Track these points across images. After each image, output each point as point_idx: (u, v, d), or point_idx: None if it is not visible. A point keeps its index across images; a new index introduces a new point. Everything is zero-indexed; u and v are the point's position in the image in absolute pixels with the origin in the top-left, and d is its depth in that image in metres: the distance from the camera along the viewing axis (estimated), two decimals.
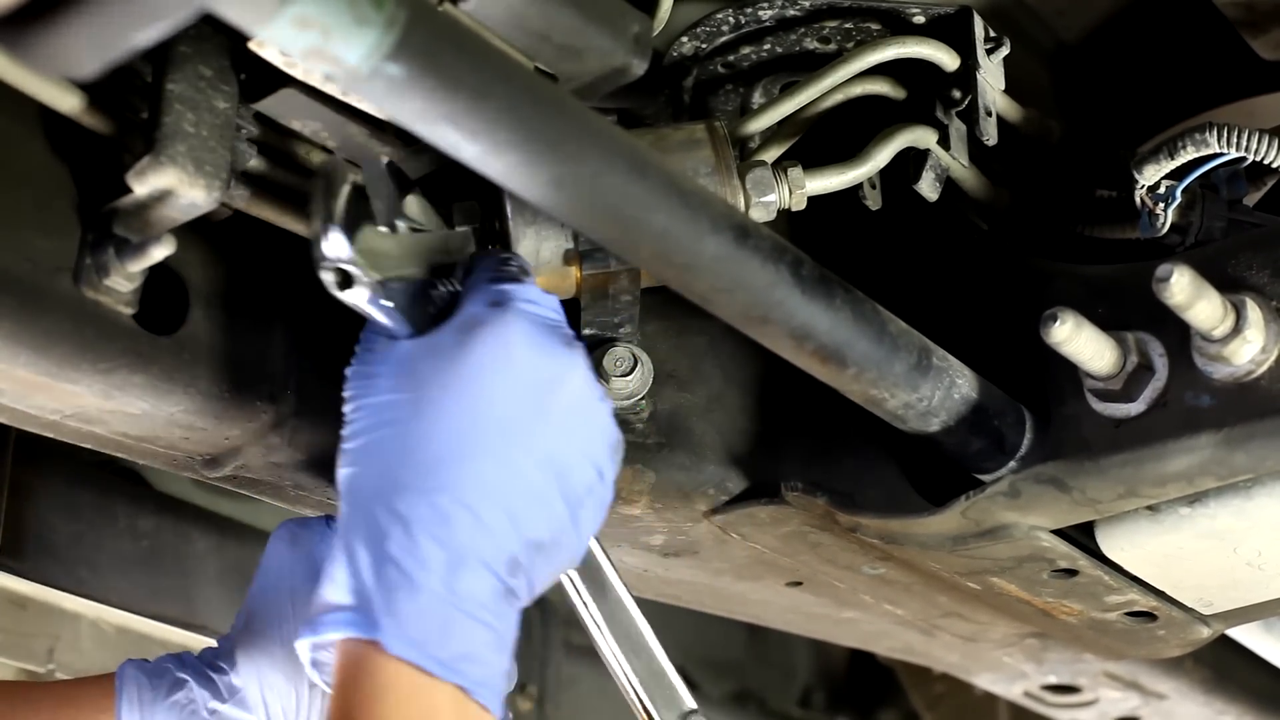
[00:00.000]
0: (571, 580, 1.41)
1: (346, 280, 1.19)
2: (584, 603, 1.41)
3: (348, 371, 1.24)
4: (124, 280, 1.28)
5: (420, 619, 1.13)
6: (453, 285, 1.27)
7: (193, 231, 1.35)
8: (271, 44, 0.89)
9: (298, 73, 1.25)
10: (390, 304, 1.21)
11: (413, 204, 1.27)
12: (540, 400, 1.21)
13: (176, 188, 1.22)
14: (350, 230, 1.19)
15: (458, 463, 1.17)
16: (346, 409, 1.23)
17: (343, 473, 1.21)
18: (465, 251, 1.29)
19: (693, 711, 1.41)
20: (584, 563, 1.41)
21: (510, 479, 1.18)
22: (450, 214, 1.40)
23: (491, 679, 1.15)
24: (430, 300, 1.25)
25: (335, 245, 1.18)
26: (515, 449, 1.19)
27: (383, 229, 1.22)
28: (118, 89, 1.27)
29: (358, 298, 1.20)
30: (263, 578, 1.46)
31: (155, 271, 1.31)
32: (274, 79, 1.28)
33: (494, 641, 1.17)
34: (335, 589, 1.16)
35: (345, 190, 1.20)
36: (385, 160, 1.26)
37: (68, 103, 1.23)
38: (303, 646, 1.17)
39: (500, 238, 1.45)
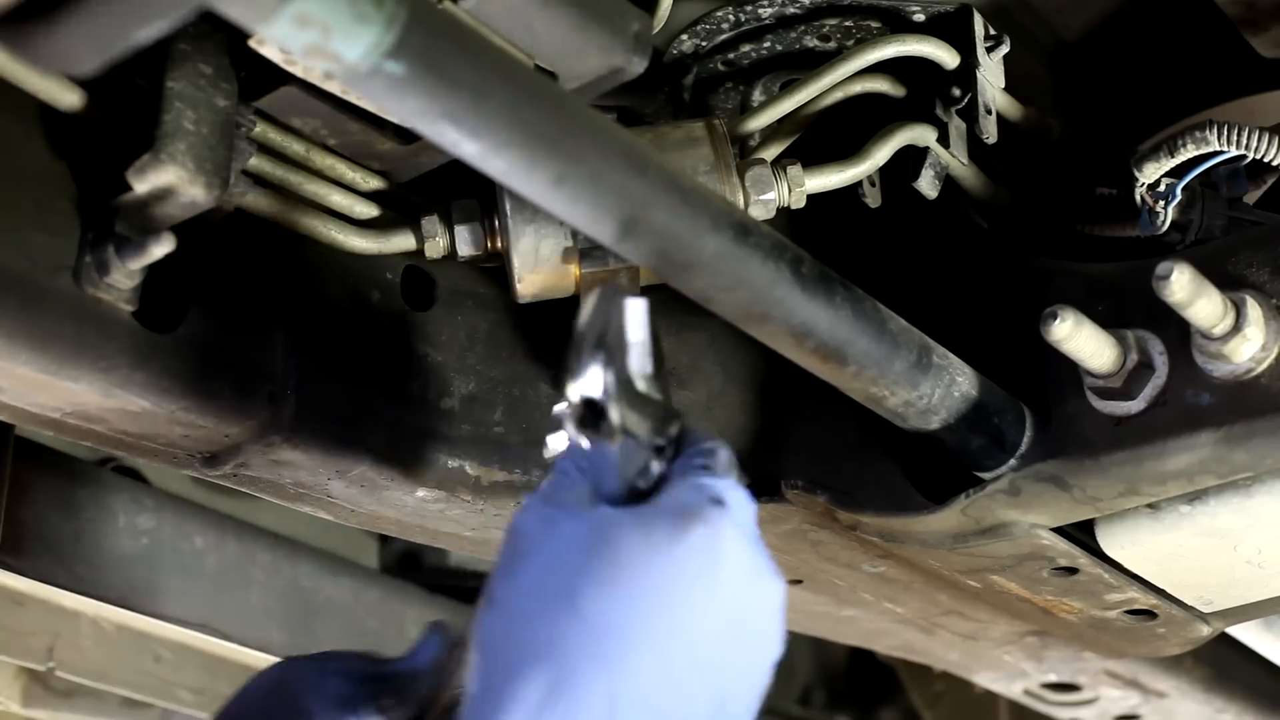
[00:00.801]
0: None
1: (591, 420, 1.09)
2: None
3: (531, 502, 1.12)
4: (124, 278, 1.28)
5: None
6: (661, 464, 1.14)
7: (193, 229, 1.35)
8: (272, 42, 0.89)
9: (298, 70, 1.25)
10: (628, 459, 1.11)
11: (659, 368, 1.16)
12: (737, 623, 1.09)
13: (177, 186, 1.22)
14: (618, 371, 1.09)
15: (638, 666, 1.04)
16: (514, 548, 1.10)
17: (491, 624, 1.07)
18: (674, 428, 1.16)
19: None
20: None
21: (681, 701, 1.06)
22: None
23: None
24: (643, 475, 1.13)
25: (595, 382, 1.08)
26: (701, 669, 1.07)
27: (640, 380, 1.12)
28: (118, 87, 1.27)
29: (593, 440, 1.09)
30: (238, 709, 1.33)
31: (155, 269, 1.31)
32: (274, 77, 1.28)
33: None
34: None
35: (619, 327, 1.10)
36: (649, 308, 1.14)
37: (68, 100, 1.23)
38: None
39: (500, 235, 1.45)
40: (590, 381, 1.08)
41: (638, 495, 1.13)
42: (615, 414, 1.09)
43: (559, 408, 1.10)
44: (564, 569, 1.06)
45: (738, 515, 1.11)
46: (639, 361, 1.12)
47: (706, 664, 1.07)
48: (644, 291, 1.48)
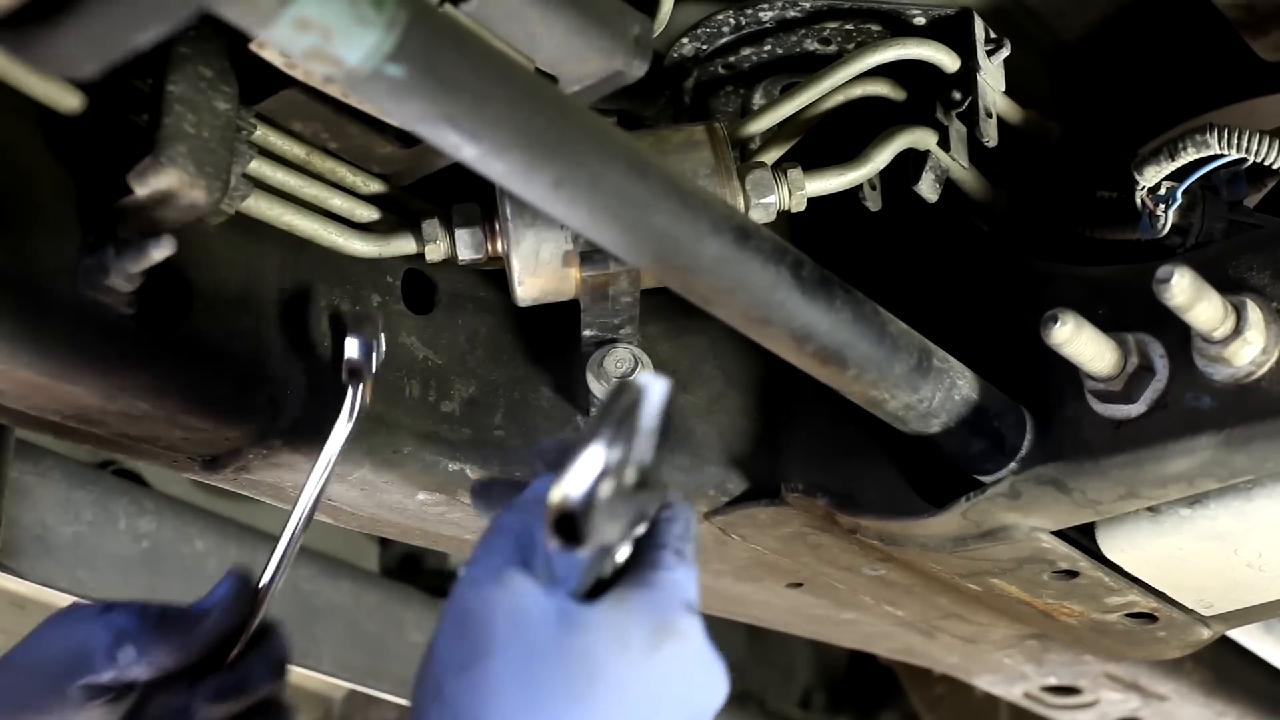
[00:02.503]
0: None
1: (566, 526, 0.98)
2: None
3: (478, 576, 1.04)
4: (124, 281, 1.28)
5: None
6: (630, 546, 1.07)
7: (194, 232, 1.35)
8: (272, 45, 0.89)
9: (298, 74, 1.25)
10: (593, 565, 1.04)
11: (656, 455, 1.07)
12: None
13: (177, 189, 1.22)
14: (611, 484, 0.99)
15: None
16: (469, 632, 1.02)
17: (438, 717, 1.00)
18: (654, 508, 1.10)
19: None
20: None
21: None
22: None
23: None
24: (608, 562, 1.06)
25: (582, 486, 0.98)
26: None
27: (633, 469, 1.02)
28: (118, 90, 1.27)
29: (564, 546, 0.99)
30: (23, 644, 1.30)
31: (156, 272, 1.31)
32: (275, 80, 1.28)
33: None
34: None
35: (628, 433, 1.01)
36: (669, 392, 1.05)
37: (68, 103, 1.23)
38: None
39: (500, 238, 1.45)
40: (578, 484, 0.98)
41: (599, 587, 1.05)
42: (592, 529, 0.98)
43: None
44: (532, 678, 1.00)
45: (699, 620, 1.07)
46: (641, 454, 1.03)
47: None
48: (644, 295, 1.48)
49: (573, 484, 0.98)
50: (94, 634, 1.24)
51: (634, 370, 1.48)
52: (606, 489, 0.98)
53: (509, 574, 1.03)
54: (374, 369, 1.41)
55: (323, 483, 1.36)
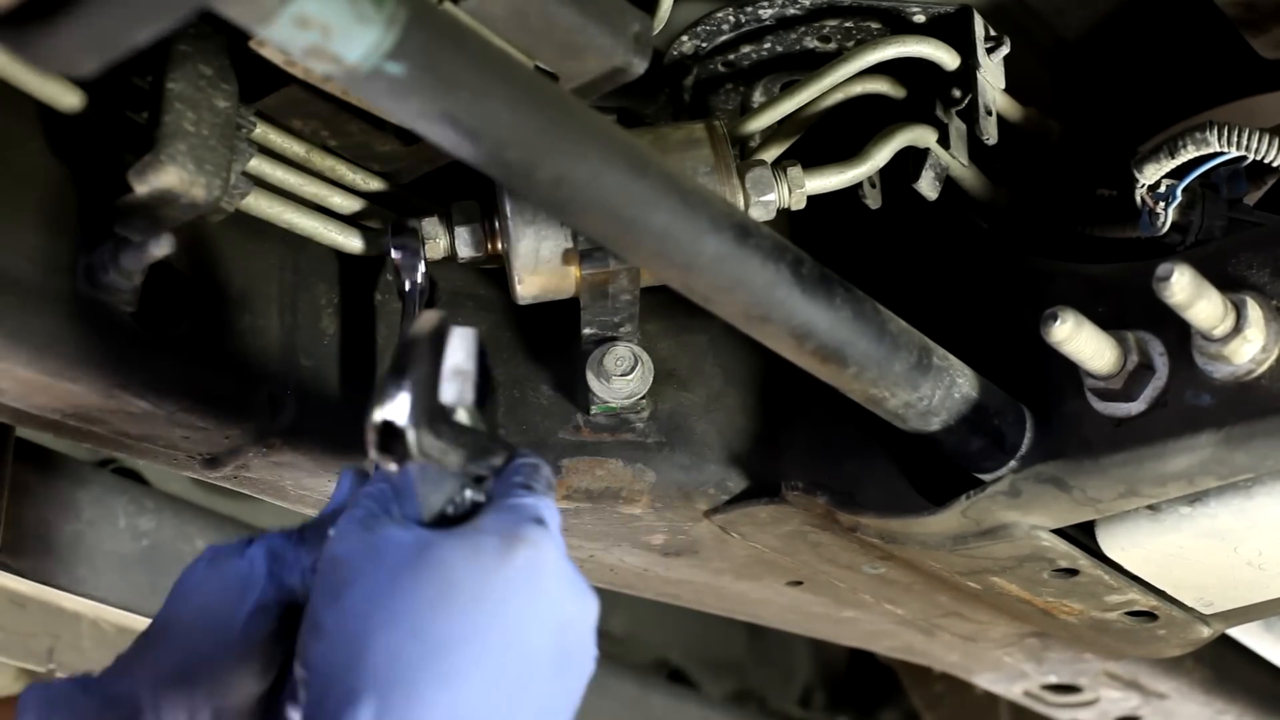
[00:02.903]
0: None
1: (390, 444, 1.10)
2: None
3: (342, 526, 1.15)
4: (124, 279, 1.28)
5: None
6: (476, 497, 1.18)
7: (193, 230, 1.35)
8: (272, 43, 0.89)
9: (298, 72, 1.25)
10: (428, 485, 1.14)
11: (486, 398, 1.21)
12: (559, 636, 1.13)
13: (176, 187, 1.22)
14: (419, 394, 1.11)
15: (477, 684, 1.08)
16: (336, 575, 1.12)
17: (322, 651, 1.10)
18: (498, 459, 1.20)
19: None
20: None
21: (508, 705, 1.10)
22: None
23: None
24: (451, 501, 1.16)
25: (397, 404, 1.10)
26: (531, 683, 1.11)
27: (453, 410, 1.15)
28: (118, 88, 1.27)
29: (394, 465, 1.12)
30: (175, 598, 1.35)
31: (155, 270, 1.31)
32: (274, 78, 1.28)
33: None
34: None
35: (432, 348, 1.13)
36: (477, 339, 1.19)
37: (68, 101, 1.23)
38: None
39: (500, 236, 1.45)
40: (394, 407, 1.10)
41: (448, 521, 1.15)
42: (412, 438, 1.10)
43: (367, 436, 1.11)
44: (394, 592, 1.08)
45: (558, 534, 1.15)
46: (455, 391, 1.15)
47: (534, 677, 1.11)
48: (644, 293, 1.48)
49: (387, 408, 1.09)
50: (248, 562, 1.28)
51: (634, 368, 1.49)
52: (419, 412, 1.10)
53: (368, 520, 1.14)
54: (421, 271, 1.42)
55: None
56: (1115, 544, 1.57)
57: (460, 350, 1.16)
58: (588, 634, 1.16)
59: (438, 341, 1.14)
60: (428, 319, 1.15)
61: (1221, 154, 1.44)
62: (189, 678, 1.30)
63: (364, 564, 1.11)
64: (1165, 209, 1.49)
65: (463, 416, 1.16)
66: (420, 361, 1.12)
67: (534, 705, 1.11)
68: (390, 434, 1.10)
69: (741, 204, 1.45)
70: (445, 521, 1.15)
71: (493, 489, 1.18)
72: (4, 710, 1.40)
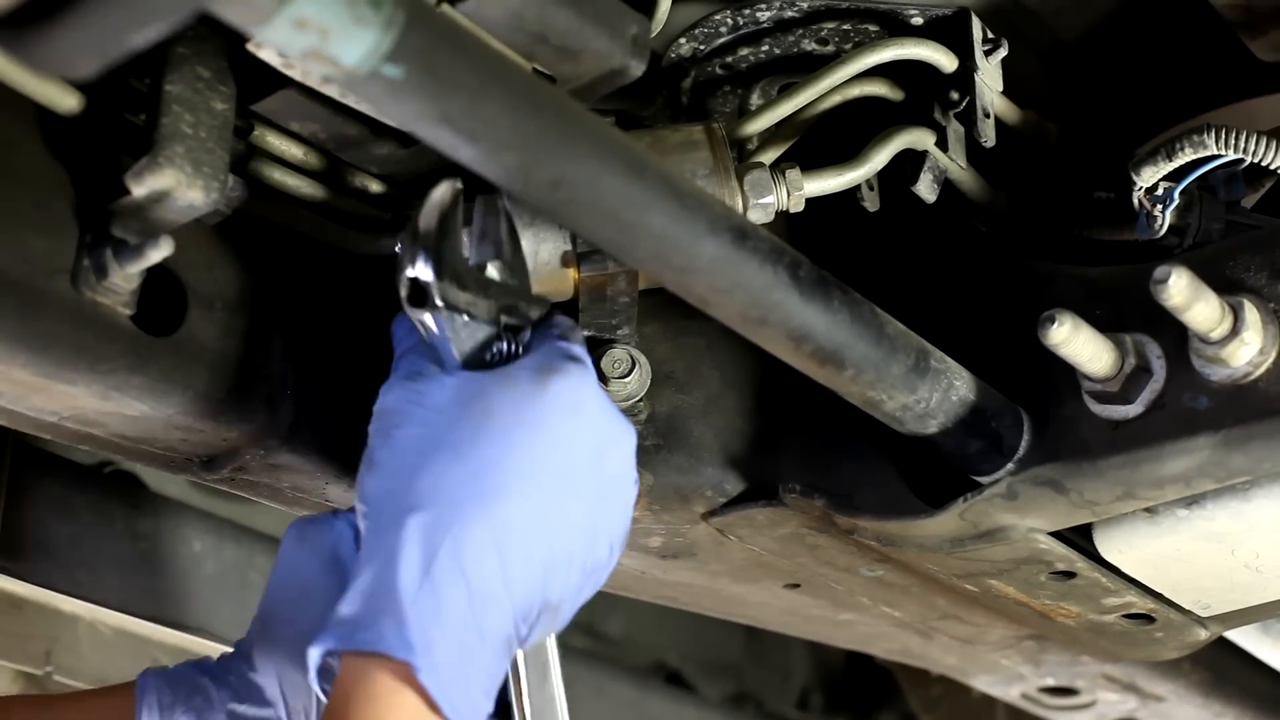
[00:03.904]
0: (520, 658, 1.41)
1: (419, 296, 1.19)
2: (522, 684, 1.40)
3: (390, 385, 1.23)
4: (122, 281, 1.28)
5: (444, 650, 1.11)
6: (514, 346, 1.26)
7: (192, 232, 1.35)
8: (269, 45, 0.89)
9: (296, 74, 1.25)
10: (459, 332, 1.21)
11: (513, 257, 1.28)
12: (598, 461, 1.22)
13: (174, 189, 1.22)
14: (439, 251, 1.18)
15: (517, 499, 1.16)
16: (385, 422, 1.21)
17: (375, 484, 1.19)
18: (534, 311, 1.28)
19: None
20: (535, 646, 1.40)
21: (558, 529, 1.18)
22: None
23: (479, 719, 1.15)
24: (488, 349, 1.24)
25: (419, 262, 1.18)
26: (570, 499, 1.19)
27: (476, 264, 1.24)
28: (116, 90, 1.27)
29: (426, 315, 1.20)
30: (276, 577, 1.43)
31: (154, 272, 1.31)
32: (272, 80, 1.28)
33: (490, 688, 1.16)
34: (364, 601, 1.13)
35: (446, 212, 1.19)
36: (504, 201, 1.27)
37: (66, 103, 1.23)
38: (315, 652, 1.14)
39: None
40: (420, 264, 1.18)
41: (488, 368, 1.23)
42: (436, 290, 1.18)
43: (401, 290, 1.20)
44: (439, 426, 1.18)
45: (591, 372, 1.24)
46: (480, 248, 1.25)
47: (575, 496, 1.19)
48: (642, 295, 1.48)
49: (415, 266, 1.18)
50: (337, 535, 1.39)
51: (631, 370, 1.49)
52: (440, 264, 1.18)
53: (410, 372, 1.22)
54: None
55: None
56: (1113, 546, 1.57)
57: (484, 212, 1.26)
58: (627, 460, 1.25)
59: (454, 204, 1.21)
60: (444, 185, 1.21)
61: (1219, 157, 1.44)
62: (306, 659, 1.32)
63: (410, 407, 1.20)
64: (1163, 212, 1.49)
65: (493, 272, 1.25)
66: (440, 221, 1.19)
67: (576, 523, 1.20)
68: (418, 289, 1.19)
69: (740, 206, 1.45)
70: (485, 367, 1.23)
71: (531, 341, 1.26)
72: (111, 695, 1.43)
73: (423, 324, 1.21)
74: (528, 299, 1.28)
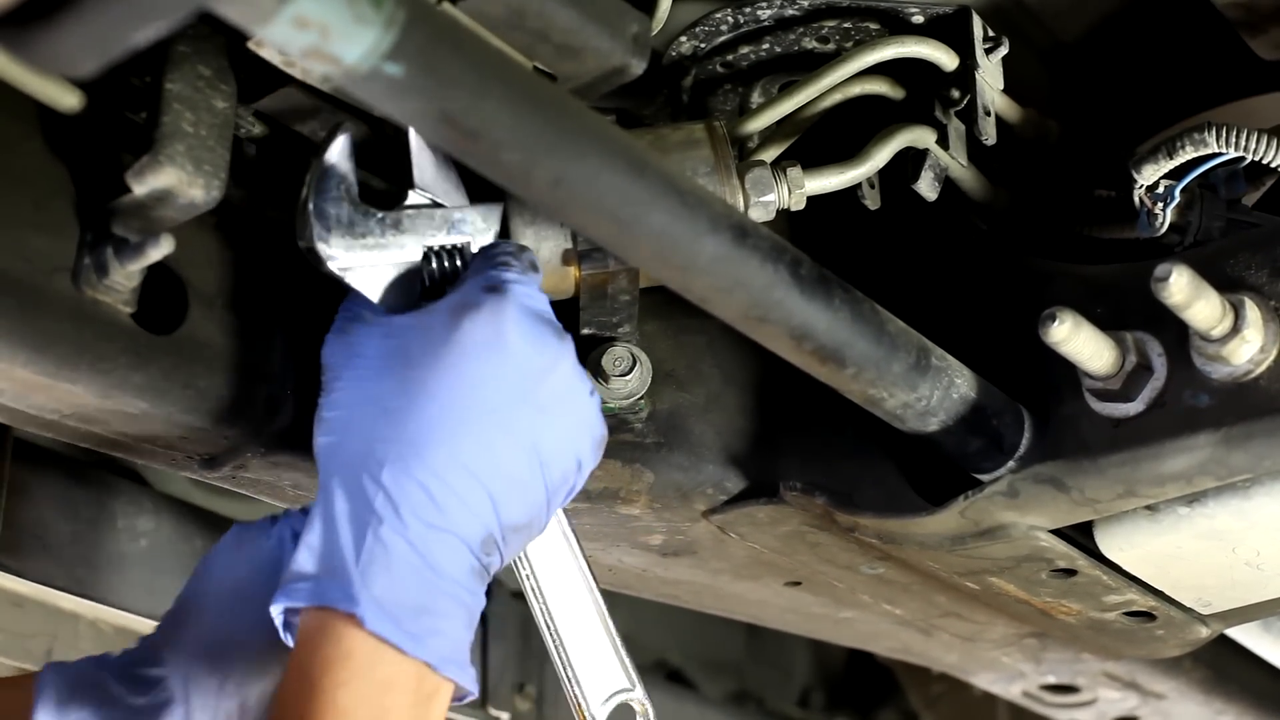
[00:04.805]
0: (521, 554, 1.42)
1: (315, 260, 1.25)
2: (528, 576, 1.41)
3: (327, 338, 1.29)
4: (123, 280, 1.28)
5: (395, 593, 1.16)
6: (453, 264, 1.30)
7: (192, 230, 1.35)
8: (270, 44, 0.89)
9: (296, 72, 1.25)
10: (367, 279, 1.27)
11: (429, 173, 1.31)
12: (528, 387, 1.24)
13: (175, 187, 1.22)
14: (320, 211, 1.25)
15: (443, 442, 1.20)
16: (327, 376, 1.27)
17: (322, 441, 1.25)
18: (485, 230, 1.33)
19: (623, 690, 1.40)
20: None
21: (494, 462, 1.22)
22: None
23: (459, 654, 1.19)
24: (422, 277, 1.29)
25: (303, 230, 1.25)
26: (500, 433, 1.22)
27: (368, 207, 1.28)
28: (117, 88, 1.27)
29: (335, 274, 1.26)
30: (201, 576, 1.45)
31: (154, 271, 1.31)
32: (273, 78, 1.28)
33: (464, 618, 1.20)
34: (312, 557, 1.19)
35: (322, 167, 1.25)
36: (349, 136, 1.29)
37: (67, 101, 1.23)
38: (276, 610, 1.20)
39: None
40: (304, 233, 1.26)
41: (432, 294, 1.28)
42: (327, 250, 1.25)
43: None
44: (369, 377, 1.24)
45: (517, 297, 1.25)
46: (356, 184, 1.28)
47: (507, 427, 1.23)
48: (643, 293, 1.48)
49: (301, 237, 1.26)
50: (276, 542, 1.41)
51: (632, 368, 1.48)
52: (320, 227, 1.25)
53: (343, 325, 1.29)
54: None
55: None
56: (1113, 544, 1.57)
57: (339, 150, 1.28)
58: (567, 377, 1.27)
59: (336, 157, 1.27)
60: (334, 141, 1.27)
61: (1220, 155, 1.44)
62: (221, 660, 1.35)
63: (343, 359, 1.27)
64: (1163, 210, 1.49)
65: (415, 199, 1.30)
66: (319, 181, 1.26)
67: (519, 449, 1.23)
68: (313, 255, 1.25)
69: (741, 205, 1.45)
70: (425, 298, 1.28)
71: (471, 262, 1.30)
72: (10, 689, 1.41)
73: (337, 276, 1.26)
74: (464, 213, 1.32)
